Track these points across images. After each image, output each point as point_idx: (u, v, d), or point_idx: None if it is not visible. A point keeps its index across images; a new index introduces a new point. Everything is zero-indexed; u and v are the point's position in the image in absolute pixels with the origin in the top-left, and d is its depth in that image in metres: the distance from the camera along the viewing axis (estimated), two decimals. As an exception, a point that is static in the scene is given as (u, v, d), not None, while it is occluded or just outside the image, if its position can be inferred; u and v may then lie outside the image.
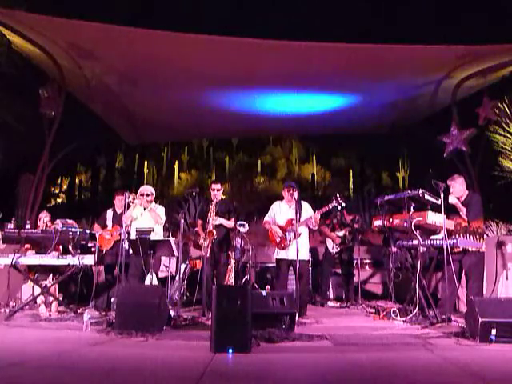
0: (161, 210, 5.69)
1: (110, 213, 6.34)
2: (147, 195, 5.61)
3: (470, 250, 4.96)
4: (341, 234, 6.91)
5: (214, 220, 5.52)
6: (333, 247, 6.92)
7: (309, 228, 5.69)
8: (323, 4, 15.69)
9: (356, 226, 6.94)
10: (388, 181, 19.16)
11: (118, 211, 6.23)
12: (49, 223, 5.91)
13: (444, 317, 4.59)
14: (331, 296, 7.16)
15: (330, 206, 5.34)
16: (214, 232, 5.47)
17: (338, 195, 5.38)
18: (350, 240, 6.90)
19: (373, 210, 10.39)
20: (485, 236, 5.36)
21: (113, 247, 6.05)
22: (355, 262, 7.16)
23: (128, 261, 5.31)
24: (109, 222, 6.27)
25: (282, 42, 6.92)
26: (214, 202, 5.62)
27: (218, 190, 5.71)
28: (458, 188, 5.24)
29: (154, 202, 5.74)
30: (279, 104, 9.35)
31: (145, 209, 5.61)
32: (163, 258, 6.23)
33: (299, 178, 18.87)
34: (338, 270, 7.19)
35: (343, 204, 5.36)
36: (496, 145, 6.95)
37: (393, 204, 5.20)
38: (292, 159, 20.63)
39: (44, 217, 6.02)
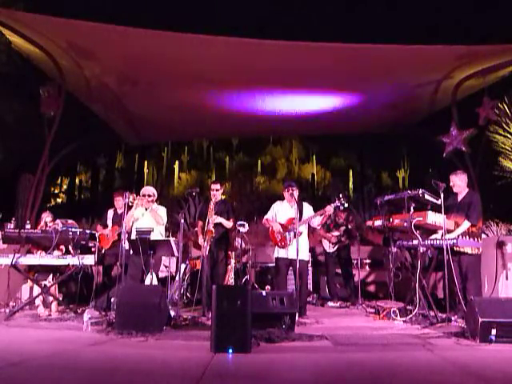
0: (162, 211, 5.69)
1: (110, 213, 6.35)
2: (149, 196, 5.62)
3: (470, 252, 4.96)
4: (337, 233, 6.90)
5: (214, 218, 5.52)
6: (329, 247, 6.91)
7: (309, 227, 5.69)
8: (323, 4, 15.69)
9: (350, 224, 6.93)
10: (388, 181, 19.18)
11: (119, 211, 6.23)
12: (49, 223, 5.91)
13: (444, 317, 4.60)
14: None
15: (333, 205, 5.35)
16: (213, 230, 5.48)
17: (340, 195, 5.39)
18: (345, 238, 6.90)
19: (373, 210, 10.39)
20: (483, 236, 5.36)
21: (111, 247, 6.05)
22: (355, 261, 7.16)
23: (128, 261, 5.31)
24: (109, 222, 6.27)
25: (282, 42, 6.92)
26: (212, 202, 5.62)
27: (217, 190, 5.71)
28: (458, 184, 5.24)
29: (155, 203, 5.74)
30: (279, 104, 9.35)
31: (146, 209, 5.62)
32: (163, 258, 6.23)
33: (299, 178, 18.89)
34: (338, 270, 7.19)
35: (346, 204, 5.36)
36: (496, 145, 6.96)
37: (393, 204, 5.20)
38: (292, 159, 20.65)
39: (46, 217, 6.01)
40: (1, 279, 5.48)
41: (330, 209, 5.36)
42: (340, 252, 6.90)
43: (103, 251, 6.11)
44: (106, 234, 6.13)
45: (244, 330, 3.33)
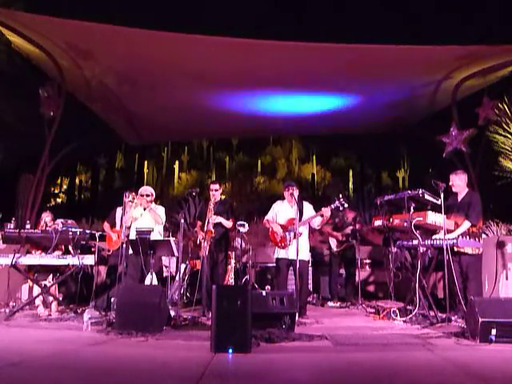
0: (161, 211, 5.69)
1: (119, 211, 6.12)
2: (147, 195, 5.60)
3: (470, 252, 4.96)
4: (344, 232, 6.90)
5: (214, 219, 5.52)
6: (336, 246, 6.91)
7: (309, 227, 5.69)
8: (323, 4, 15.70)
9: (358, 225, 6.93)
10: (388, 181, 19.18)
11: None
12: (49, 223, 5.90)
13: (444, 317, 4.60)
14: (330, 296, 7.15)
15: (333, 206, 5.34)
16: (213, 230, 5.47)
17: (340, 196, 5.38)
18: (352, 238, 6.90)
19: (373, 210, 10.39)
20: (483, 236, 5.35)
21: (119, 249, 6.01)
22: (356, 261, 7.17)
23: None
24: (118, 221, 6.17)
25: (282, 43, 6.92)
26: (212, 202, 5.62)
27: (216, 191, 5.70)
28: (457, 183, 5.24)
29: (153, 203, 5.73)
30: (279, 104, 9.35)
31: (145, 209, 5.61)
32: (163, 258, 6.22)
33: (299, 178, 18.90)
34: (341, 270, 7.18)
35: (345, 205, 5.35)
36: (496, 145, 6.96)
37: (393, 204, 5.20)
38: (292, 159, 20.65)
39: (45, 217, 6.00)
40: (1, 279, 5.48)
41: (327, 210, 5.36)
42: (345, 252, 6.91)
43: (111, 252, 6.09)
44: (113, 236, 6.09)
45: (244, 330, 3.33)
